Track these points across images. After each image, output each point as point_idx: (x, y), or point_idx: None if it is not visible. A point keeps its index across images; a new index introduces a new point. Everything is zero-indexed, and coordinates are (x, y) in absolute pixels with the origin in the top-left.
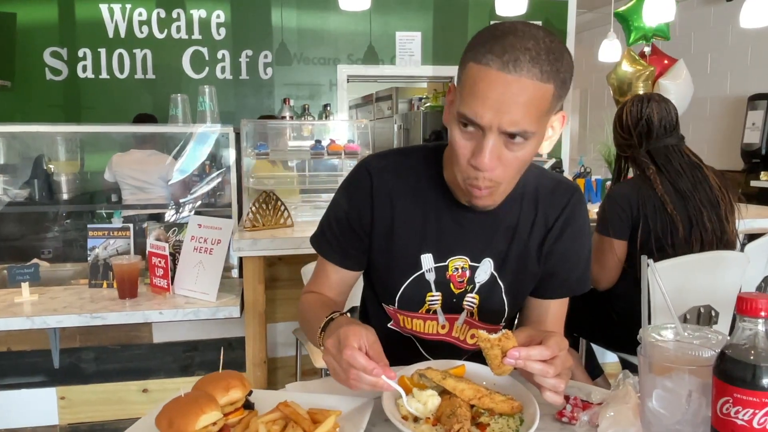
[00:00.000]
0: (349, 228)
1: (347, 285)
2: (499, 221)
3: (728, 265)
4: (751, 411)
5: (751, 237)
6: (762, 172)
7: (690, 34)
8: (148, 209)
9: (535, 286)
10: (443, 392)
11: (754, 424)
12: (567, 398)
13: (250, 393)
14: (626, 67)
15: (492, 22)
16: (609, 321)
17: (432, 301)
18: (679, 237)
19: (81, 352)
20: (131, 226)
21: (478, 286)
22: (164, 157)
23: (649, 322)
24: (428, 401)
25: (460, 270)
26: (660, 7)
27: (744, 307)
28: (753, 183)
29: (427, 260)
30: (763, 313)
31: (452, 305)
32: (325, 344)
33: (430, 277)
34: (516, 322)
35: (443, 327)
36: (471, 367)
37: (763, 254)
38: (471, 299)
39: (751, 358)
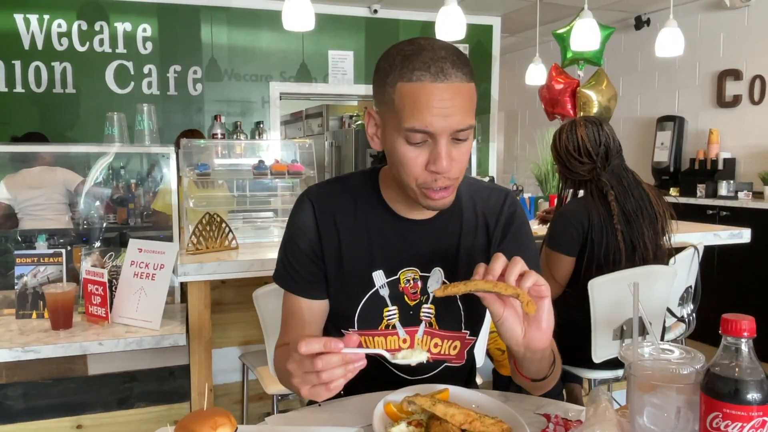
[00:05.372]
0: (304, 257)
1: (319, 319)
2: (442, 230)
3: (659, 278)
4: (740, 424)
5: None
6: (671, 188)
7: (604, 59)
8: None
9: None
10: (433, 417)
11: None
12: (548, 417)
13: (236, 430)
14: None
15: None
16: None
17: (389, 315)
18: (621, 262)
19: (7, 389)
20: (63, 251)
21: (432, 296)
22: (58, 171)
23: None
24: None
25: (411, 281)
26: (586, 35)
27: (728, 327)
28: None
29: (379, 276)
30: (746, 333)
31: (410, 318)
32: (288, 368)
33: (384, 292)
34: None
35: (404, 341)
36: (454, 390)
37: (686, 266)
38: (428, 310)
39: (737, 374)
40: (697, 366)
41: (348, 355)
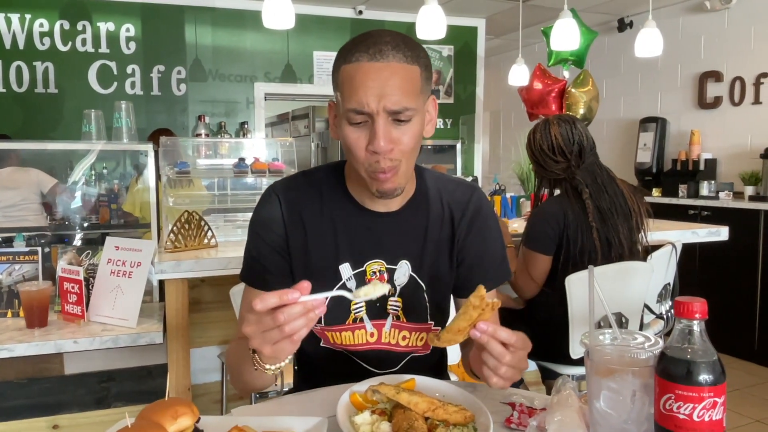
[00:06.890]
0: (271, 251)
1: None
2: (409, 223)
3: (636, 274)
4: (691, 405)
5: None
6: (654, 189)
7: (587, 61)
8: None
9: (459, 286)
10: (397, 406)
11: (694, 417)
12: (513, 405)
13: (198, 420)
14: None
15: None
16: (529, 330)
17: (356, 309)
18: (596, 260)
19: None
20: (39, 249)
21: (399, 288)
22: (32, 172)
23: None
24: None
25: (378, 273)
26: (566, 35)
27: (681, 309)
28: (646, 199)
29: (346, 269)
30: (697, 315)
31: (377, 310)
32: (245, 331)
33: (351, 285)
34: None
35: (372, 335)
36: (421, 380)
37: (663, 263)
38: (394, 303)
39: (689, 356)
40: (655, 351)
41: (307, 303)
